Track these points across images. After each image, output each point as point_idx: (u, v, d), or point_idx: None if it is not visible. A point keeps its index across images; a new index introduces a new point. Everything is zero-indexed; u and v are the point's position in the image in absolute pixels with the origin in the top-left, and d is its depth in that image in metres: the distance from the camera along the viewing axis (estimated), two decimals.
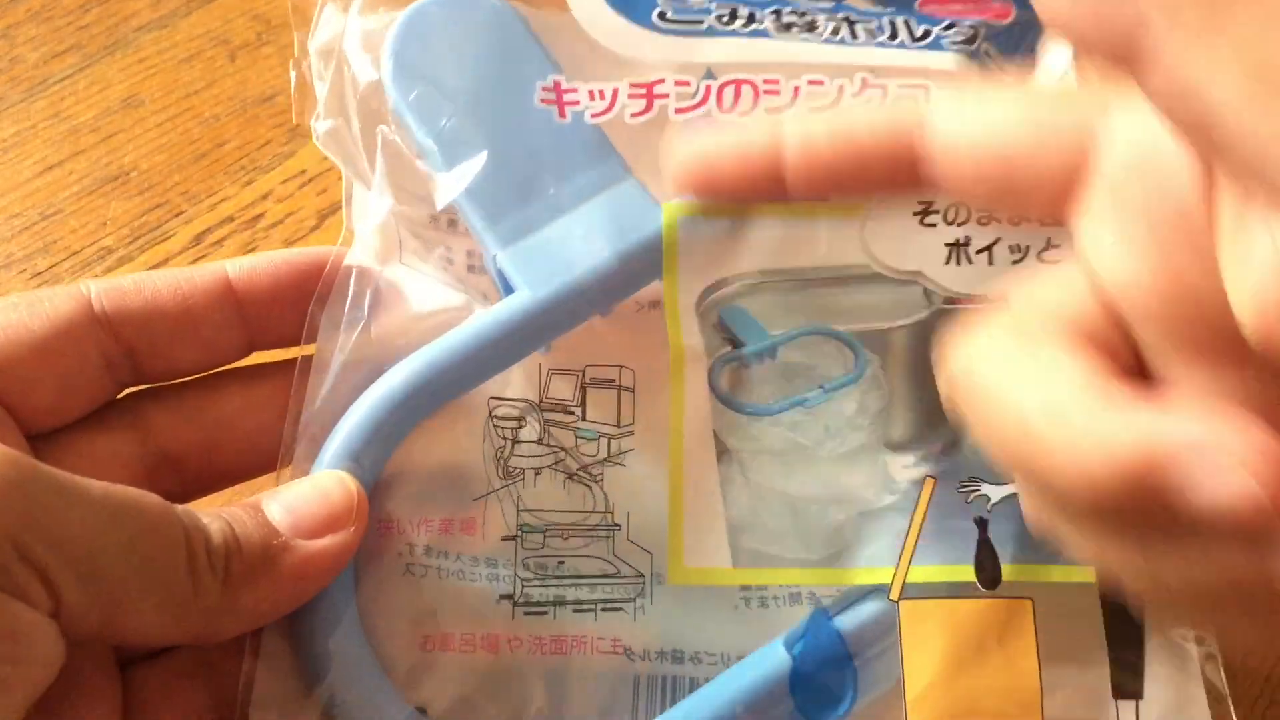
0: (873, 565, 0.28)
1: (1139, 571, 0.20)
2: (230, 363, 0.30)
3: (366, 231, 0.30)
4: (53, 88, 0.46)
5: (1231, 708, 0.27)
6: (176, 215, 0.43)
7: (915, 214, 0.29)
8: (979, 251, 0.29)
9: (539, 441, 0.29)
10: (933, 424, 0.29)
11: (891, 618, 0.28)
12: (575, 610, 0.28)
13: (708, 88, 0.29)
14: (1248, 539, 0.17)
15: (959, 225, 0.28)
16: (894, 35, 0.29)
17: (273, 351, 0.30)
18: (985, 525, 0.28)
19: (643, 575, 0.28)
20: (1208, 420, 0.17)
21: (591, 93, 0.29)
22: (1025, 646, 0.27)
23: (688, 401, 0.29)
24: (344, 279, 0.29)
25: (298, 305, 0.29)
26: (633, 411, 0.29)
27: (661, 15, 0.30)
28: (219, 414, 0.29)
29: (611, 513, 0.29)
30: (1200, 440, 0.17)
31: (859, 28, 0.29)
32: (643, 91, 0.29)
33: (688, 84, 0.29)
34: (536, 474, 0.29)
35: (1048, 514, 0.21)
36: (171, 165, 0.44)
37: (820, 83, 0.29)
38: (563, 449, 0.29)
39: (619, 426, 0.29)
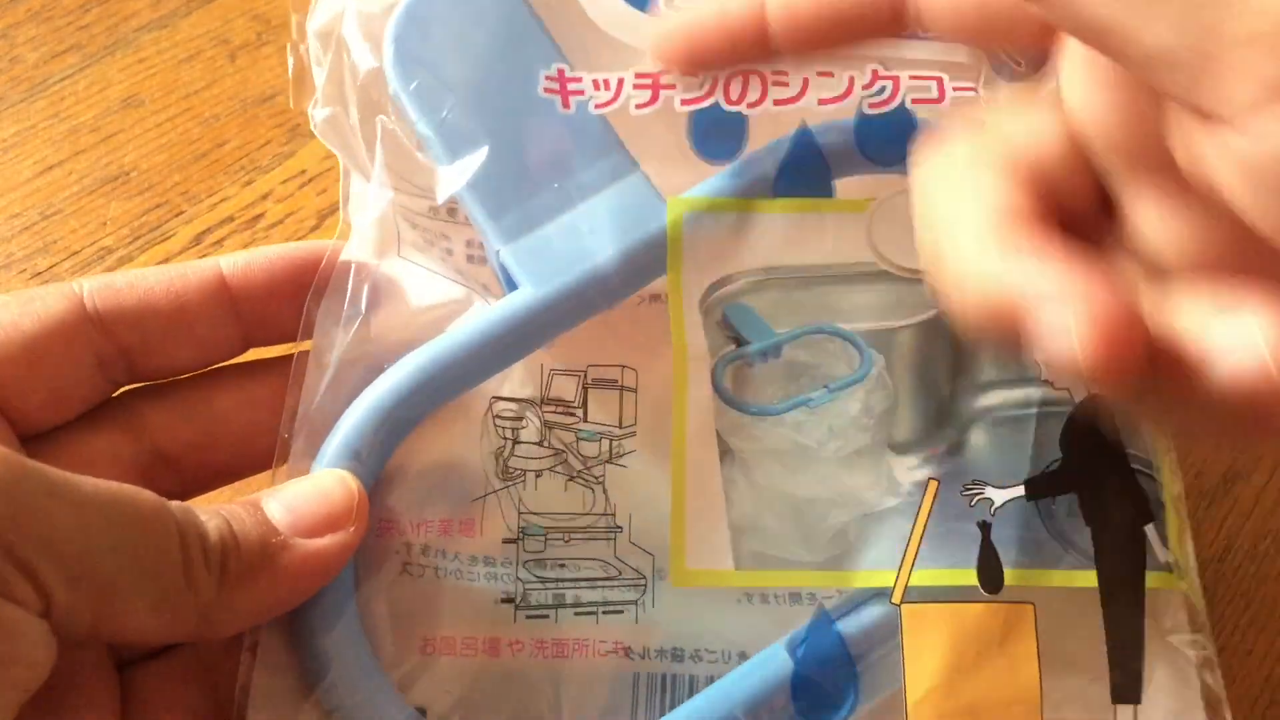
0: (875, 568, 0.28)
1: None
2: (226, 360, 0.30)
3: (365, 225, 0.30)
4: (53, 88, 0.46)
5: (1228, 713, 0.27)
6: (176, 215, 0.43)
7: None
8: None
9: (540, 443, 0.29)
10: (937, 425, 0.29)
11: (894, 622, 0.28)
12: (577, 613, 0.28)
13: (715, 79, 0.29)
14: None
15: None
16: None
17: (268, 348, 0.30)
18: (988, 529, 0.28)
19: (644, 577, 0.28)
20: (1068, 280, 0.19)
21: (596, 82, 0.29)
22: (1026, 651, 0.27)
23: (690, 401, 0.29)
24: (342, 274, 0.29)
25: (294, 301, 0.29)
26: (635, 412, 0.29)
27: (669, 1, 0.29)
28: (214, 411, 0.29)
29: (613, 514, 0.29)
30: (1049, 298, 0.18)
31: None
32: (648, 82, 0.29)
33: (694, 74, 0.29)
34: (538, 475, 0.29)
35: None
36: (171, 165, 0.44)
37: (830, 74, 0.29)
38: (564, 450, 0.29)
39: (621, 427, 0.29)
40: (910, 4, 0.25)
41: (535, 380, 0.29)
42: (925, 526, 0.28)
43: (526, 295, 0.28)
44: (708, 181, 0.29)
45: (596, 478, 0.29)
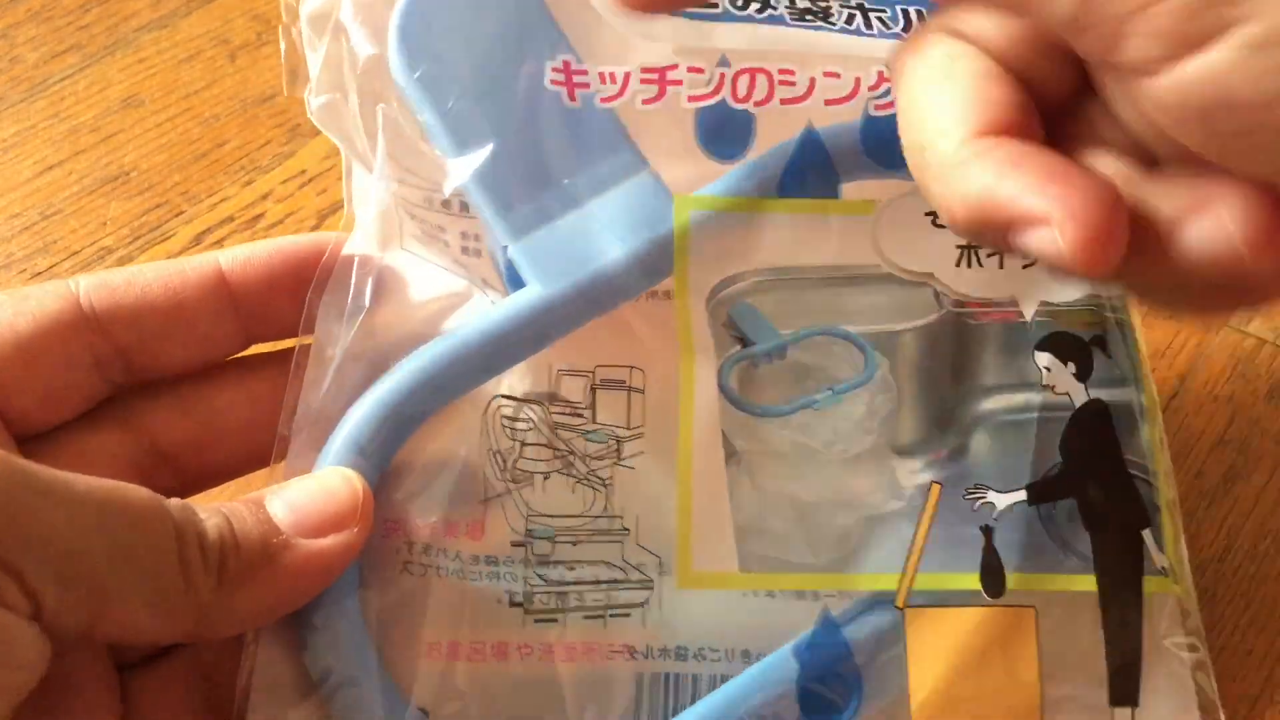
0: (878, 571, 0.28)
1: None
2: (226, 357, 0.30)
3: (367, 218, 0.30)
4: (53, 88, 0.46)
5: (1223, 716, 0.28)
6: (176, 215, 0.43)
7: (927, 214, 0.28)
8: (990, 255, 0.29)
9: (547, 445, 0.29)
10: (940, 429, 0.29)
11: (898, 627, 0.28)
12: (585, 617, 0.28)
13: (721, 76, 0.29)
14: None
15: None
16: (908, 27, 0.29)
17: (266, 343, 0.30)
18: (991, 533, 0.28)
19: (651, 580, 0.28)
20: (1050, 183, 0.19)
21: (603, 75, 0.29)
22: (1027, 655, 0.27)
23: (697, 401, 0.29)
24: (344, 267, 0.29)
25: (295, 295, 0.29)
26: (643, 413, 0.29)
27: None
28: (213, 408, 0.29)
29: (621, 517, 0.28)
30: (1031, 202, 0.19)
31: (873, 17, 0.29)
32: (655, 77, 0.29)
33: (701, 71, 0.29)
34: (545, 478, 0.28)
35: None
36: (171, 165, 0.44)
37: (836, 75, 0.29)
38: (571, 452, 0.29)
39: (629, 428, 0.29)
40: None
41: (543, 380, 0.29)
42: (929, 530, 0.28)
43: (535, 293, 0.28)
44: (714, 181, 0.29)
45: (604, 480, 0.29)
